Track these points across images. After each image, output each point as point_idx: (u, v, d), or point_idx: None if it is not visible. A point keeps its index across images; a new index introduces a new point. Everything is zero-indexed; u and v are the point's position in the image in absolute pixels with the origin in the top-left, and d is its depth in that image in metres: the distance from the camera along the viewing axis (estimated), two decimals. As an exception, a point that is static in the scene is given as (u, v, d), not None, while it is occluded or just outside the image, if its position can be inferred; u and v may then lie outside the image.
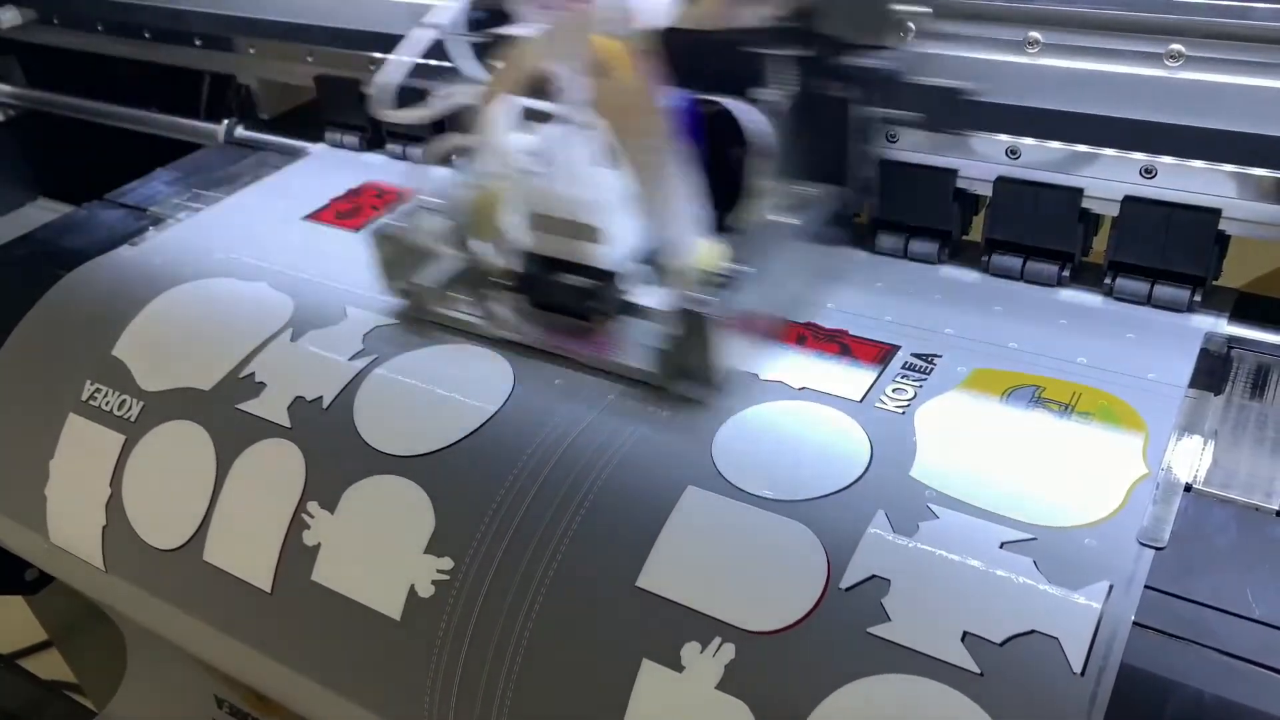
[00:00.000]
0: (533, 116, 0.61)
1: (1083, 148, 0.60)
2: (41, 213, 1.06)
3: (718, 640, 0.48)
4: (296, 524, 0.60)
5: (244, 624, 0.63)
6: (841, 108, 0.64)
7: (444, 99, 0.64)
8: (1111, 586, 0.45)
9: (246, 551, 0.62)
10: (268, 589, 0.60)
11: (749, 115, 0.61)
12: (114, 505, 0.67)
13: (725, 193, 0.62)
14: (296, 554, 0.59)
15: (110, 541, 0.68)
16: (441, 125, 0.85)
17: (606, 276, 0.60)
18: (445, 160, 0.67)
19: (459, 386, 0.62)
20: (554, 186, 0.59)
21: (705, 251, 0.58)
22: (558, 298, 0.62)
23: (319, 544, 0.59)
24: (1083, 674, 0.42)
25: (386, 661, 0.57)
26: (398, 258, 0.67)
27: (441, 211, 0.65)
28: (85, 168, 1.05)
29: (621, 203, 0.59)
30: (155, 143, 1.07)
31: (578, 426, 0.57)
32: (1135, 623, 0.44)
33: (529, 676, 0.52)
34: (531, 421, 0.58)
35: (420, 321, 0.67)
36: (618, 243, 0.59)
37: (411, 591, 0.55)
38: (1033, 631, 0.44)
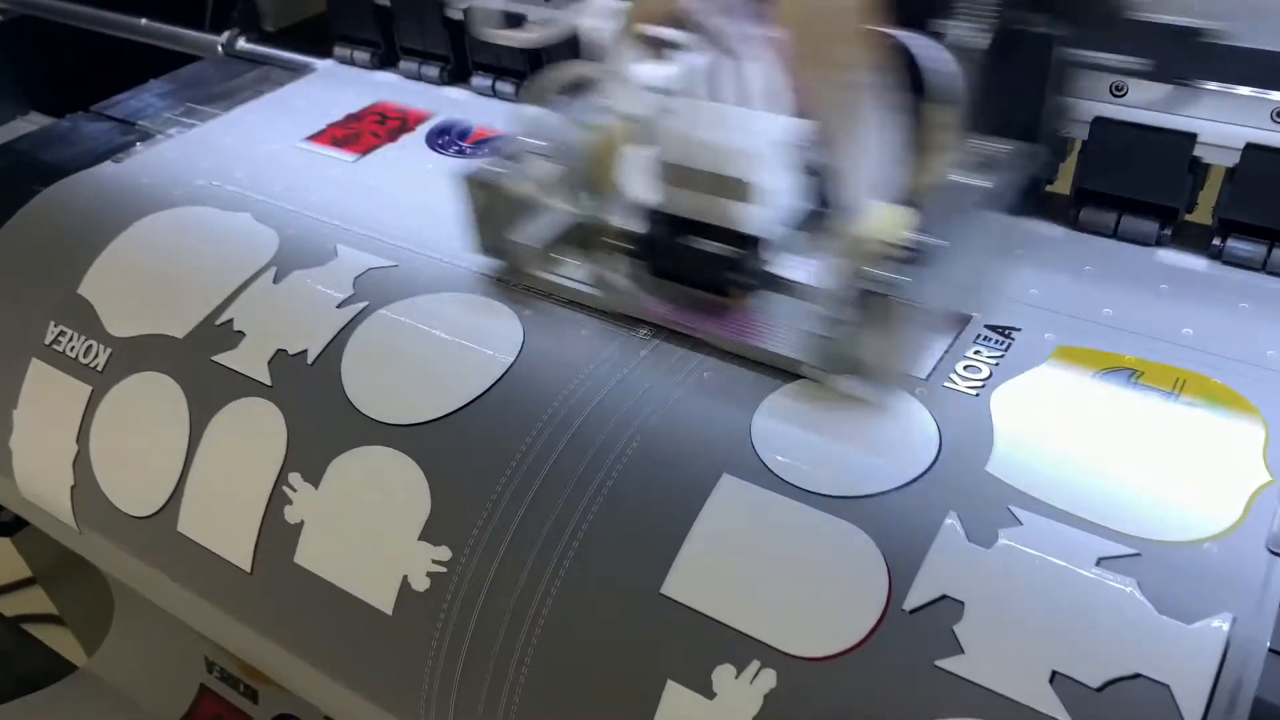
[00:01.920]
0: (668, 47, 0.49)
1: (1208, 85, 0.51)
2: (30, 127, 0.98)
3: (756, 664, 0.41)
4: (277, 498, 0.53)
5: (226, 598, 0.57)
6: (1045, 47, 0.52)
7: (560, 21, 0.53)
8: (1235, 619, 0.37)
9: (223, 525, 0.55)
10: (247, 568, 0.54)
11: (932, 53, 0.49)
12: (81, 464, 0.61)
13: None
14: (277, 532, 0.53)
15: (80, 502, 0.61)
16: (537, 57, 0.76)
17: (750, 243, 0.49)
18: (556, 95, 0.55)
19: (460, 345, 0.54)
20: (695, 131, 0.48)
21: (885, 219, 0.47)
22: (689, 266, 0.51)
23: (301, 522, 0.52)
24: (1200, 732, 0.35)
25: (379, 656, 0.50)
26: (493, 209, 0.55)
27: (550, 157, 0.54)
28: (79, 80, 0.97)
29: (777, 154, 0.48)
30: (154, 55, 0.97)
31: (598, 393, 0.50)
32: (1272, 650, 0.37)
33: (536, 690, 0.45)
34: (543, 387, 0.50)
35: (513, 287, 0.57)
36: (769, 202, 0.49)
37: (404, 584, 0.48)
38: (1138, 675, 0.36)
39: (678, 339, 0.52)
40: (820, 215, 0.50)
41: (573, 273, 0.56)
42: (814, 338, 0.48)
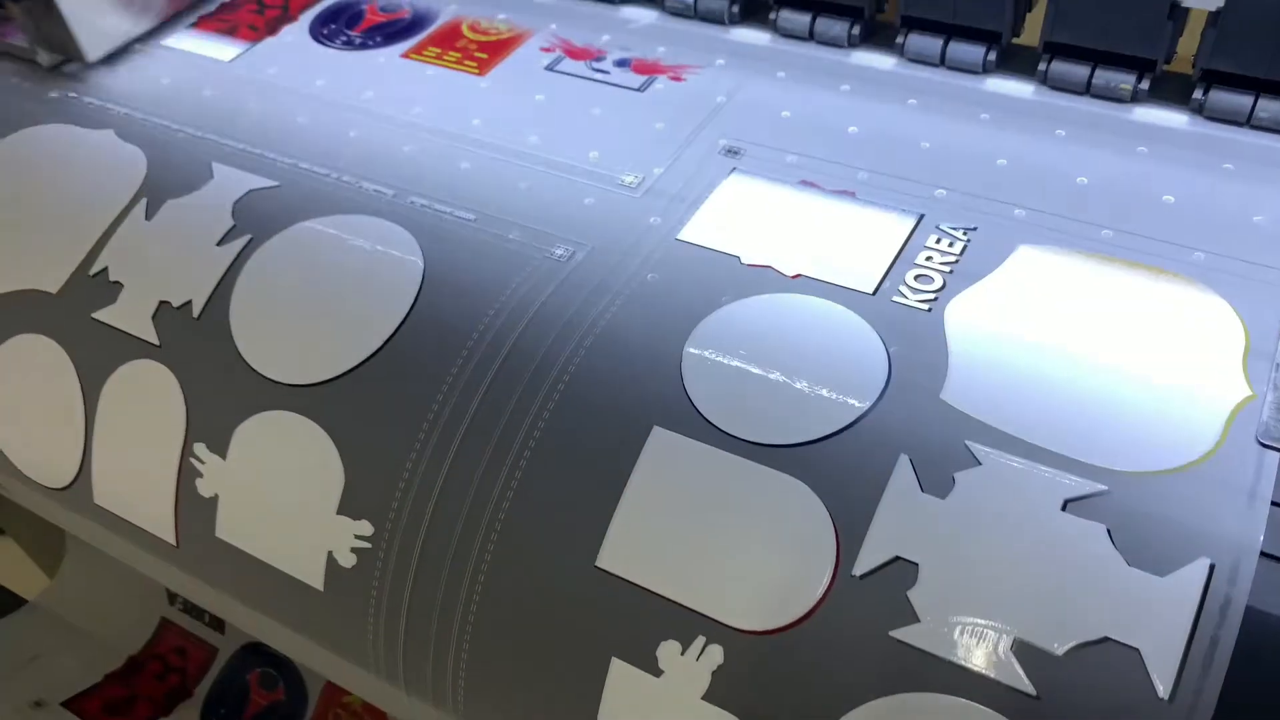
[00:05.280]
0: None
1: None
2: None
3: (701, 640, 0.38)
4: (187, 470, 0.49)
5: (160, 564, 0.55)
6: None
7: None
8: (1213, 567, 0.34)
9: (139, 499, 0.51)
10: (172, 541, 0.51)
11: None
12: (-17, 435, 0.57)
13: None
14: (194, 506, 0.49)
15: (-4, 469, 0.58)
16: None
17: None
18: None
19: (355, 285, 0.48)
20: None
21: None
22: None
23: (216, 496, 0.48)
24: (1170, 700, 0.33)
25: (319, 625, 0.48)
26: None
27: None
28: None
29: None
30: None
31: (515, 328, 0.44)
32: (1264, 554, 0.33)
33: (480, 673, 0.43)
34: (454, 326, 0.45)
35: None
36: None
37: (331, 560, 0.45)
38: (1105, 639, 0.33)
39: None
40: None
41: None
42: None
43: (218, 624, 0.70)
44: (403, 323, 0.45)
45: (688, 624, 0.38)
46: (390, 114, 0.56)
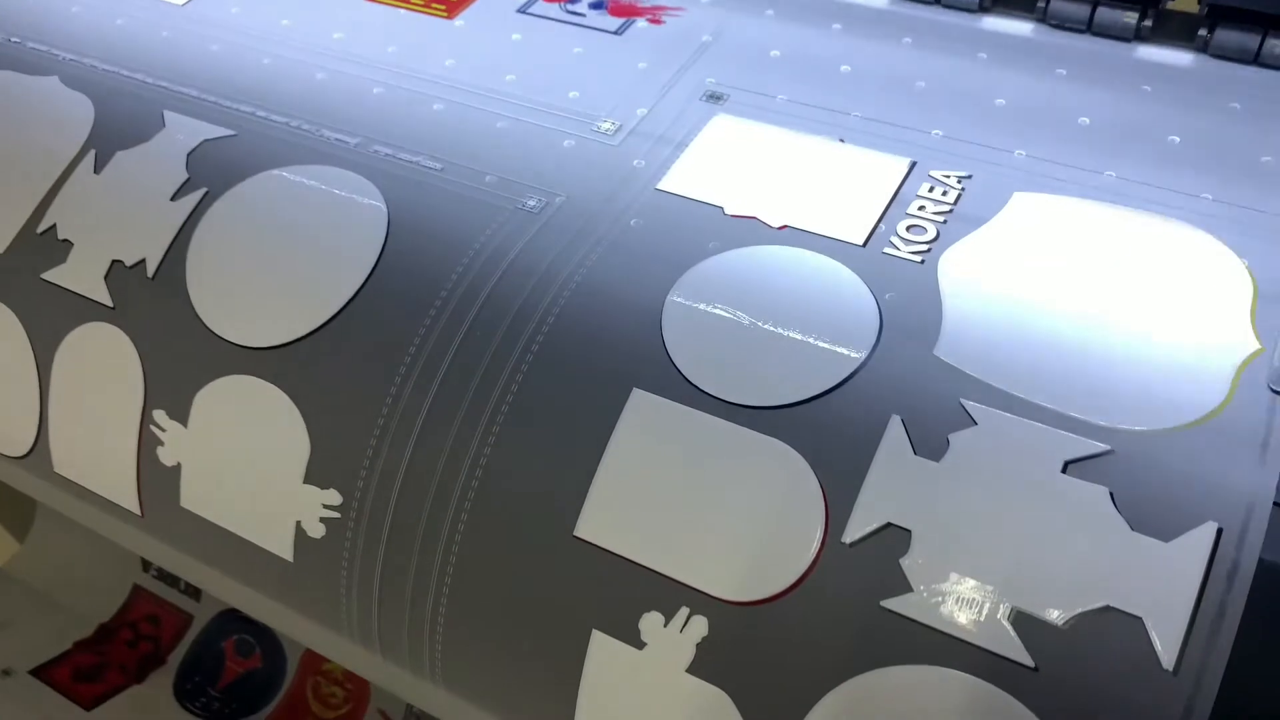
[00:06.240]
0: None
1: None
2: None
3: (685, 611, 0.37)
4: (148, 438, 0.47)
5: (128, 532, 0.53)
6: None
7: None
8: (1220, 531, 0.32)
9: (100, 468, 0.49)
10: (137, 511, 0.49)
11: None
12: (-64, 401, 0.54)
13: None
14: (156, 475, 0.47)
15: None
16: None
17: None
18: None
19: (315, 239, 0.45)
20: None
21: None
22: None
23: (178, 464, 0.46)
24: (1175, 671, 0.31)
25: (291, 595, 0.47)
26: None
27: None
28: None
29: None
30: None
31: (487, 281, 0.42)
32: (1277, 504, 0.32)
33: (457, 646, 0.41)
34: (421, 282, 0.43)
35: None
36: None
37: (300, 531, 0.43)
38: (1107, 608, 0.32)
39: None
40: None
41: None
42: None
43: (193, 591, 0.68)
44: (367, 280, 0.43)
45: (671, 595, 0.37)
46: (360, 55, 0.53)
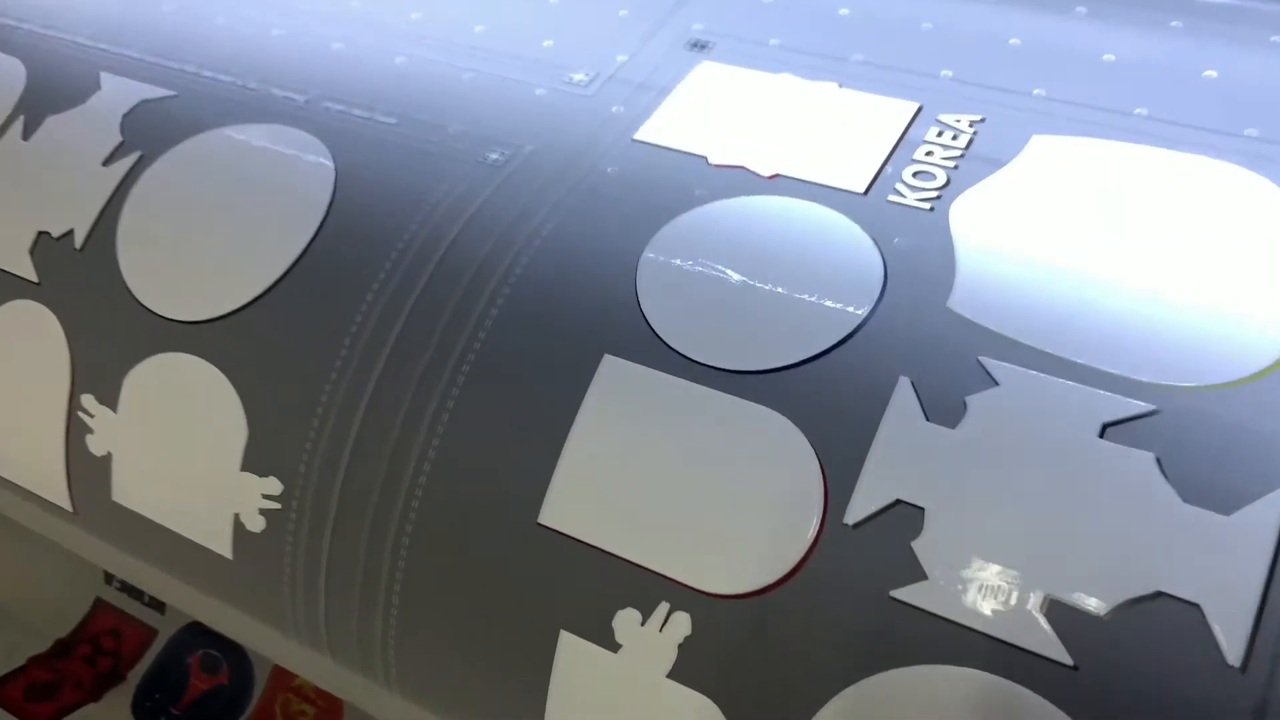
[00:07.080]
0: None
1: None
2: None
3: (664, 607, 0.32)
4: (75, 426, 0.42)
5: (64, 530, 0.48)
6: None
7: None
8: (1290, 500, 0.27)
9: (26, 460, 0.45)
10: (69, 508, 0.44)
11: None
12: None
13: None
14: (85, 467, 0.43)
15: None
16: None
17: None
18: None
19: (255, 202, 0.41)
20: None
21: None
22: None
23: (109, 454, 0.42)
24: (1243, 668, 0.26)
25: (232, 594, 0.42)
26: None
27: None
28: None
29: None
30: None
31: (440, 243, 0.38)
32: None
33: (411, 649, 0.37)
34: (368, 245, 0.38)
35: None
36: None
37: (238, 524, 0.39)
38: (1159, 594, 0.27)
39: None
40: None
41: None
42: None
43: (157, 604, 0.64)
44: (310, 243, 0.39)
45: (648, 589, 0.32)
46: (321, 10, 0.49)
